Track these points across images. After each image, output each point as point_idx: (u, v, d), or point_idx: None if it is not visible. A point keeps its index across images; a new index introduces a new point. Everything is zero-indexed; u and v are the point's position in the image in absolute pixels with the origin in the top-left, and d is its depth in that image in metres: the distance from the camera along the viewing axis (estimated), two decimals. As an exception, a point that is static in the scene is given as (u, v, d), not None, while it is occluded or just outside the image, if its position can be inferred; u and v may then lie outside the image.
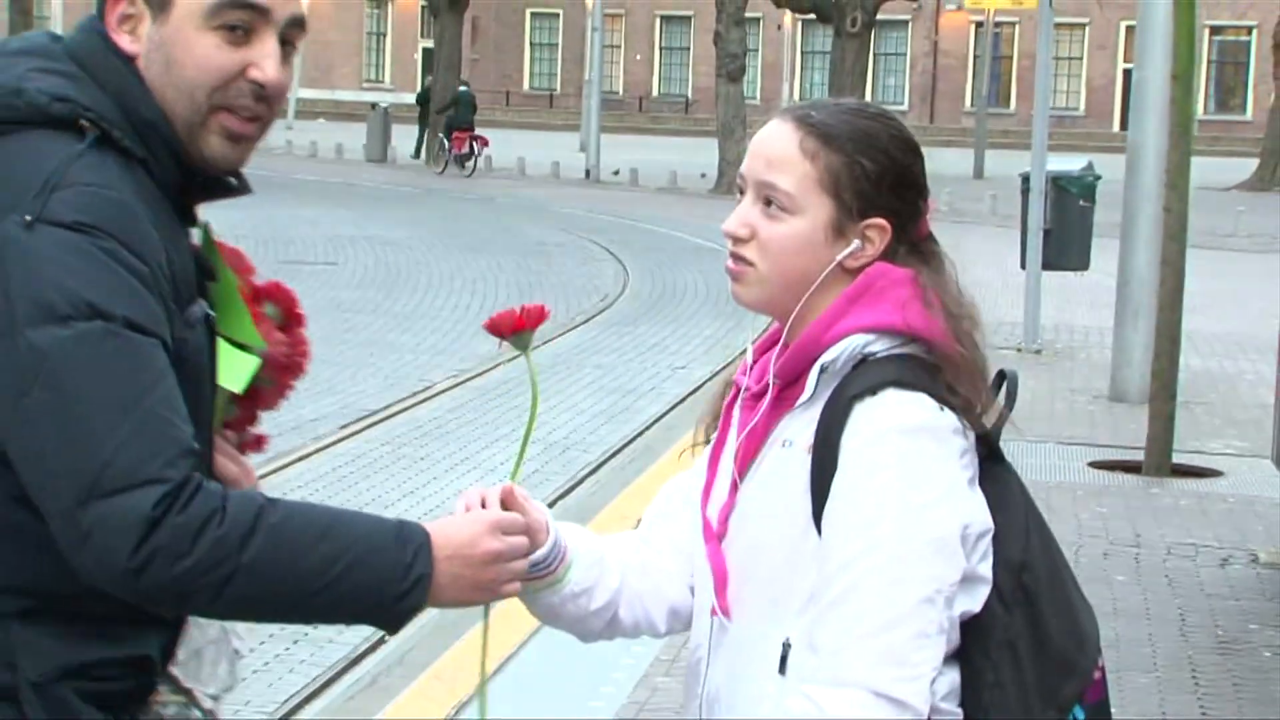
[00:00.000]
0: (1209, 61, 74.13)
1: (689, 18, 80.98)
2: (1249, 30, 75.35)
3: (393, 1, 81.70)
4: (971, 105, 66.83)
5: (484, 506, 2.58)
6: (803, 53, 76.10)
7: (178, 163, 2.48)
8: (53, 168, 2.35)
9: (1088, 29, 75.38)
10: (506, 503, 2.61)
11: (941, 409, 2.59)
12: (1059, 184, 16.14)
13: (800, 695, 2.54)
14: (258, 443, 2.70)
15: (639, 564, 2.83)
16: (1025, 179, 16.34)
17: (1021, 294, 16.36)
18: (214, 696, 2.63)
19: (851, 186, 2.66)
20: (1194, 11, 11.53)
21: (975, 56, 67.31)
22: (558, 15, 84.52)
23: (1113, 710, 2.74)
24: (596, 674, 6.96)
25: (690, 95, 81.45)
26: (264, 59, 2.47)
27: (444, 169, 43.59)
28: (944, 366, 2.63)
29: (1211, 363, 16.07)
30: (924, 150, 2.77)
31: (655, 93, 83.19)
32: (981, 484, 2.65)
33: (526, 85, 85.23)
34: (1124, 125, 20.71)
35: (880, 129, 2.69)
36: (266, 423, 2.73)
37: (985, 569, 2.61)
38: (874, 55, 54.45)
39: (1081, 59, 77.00)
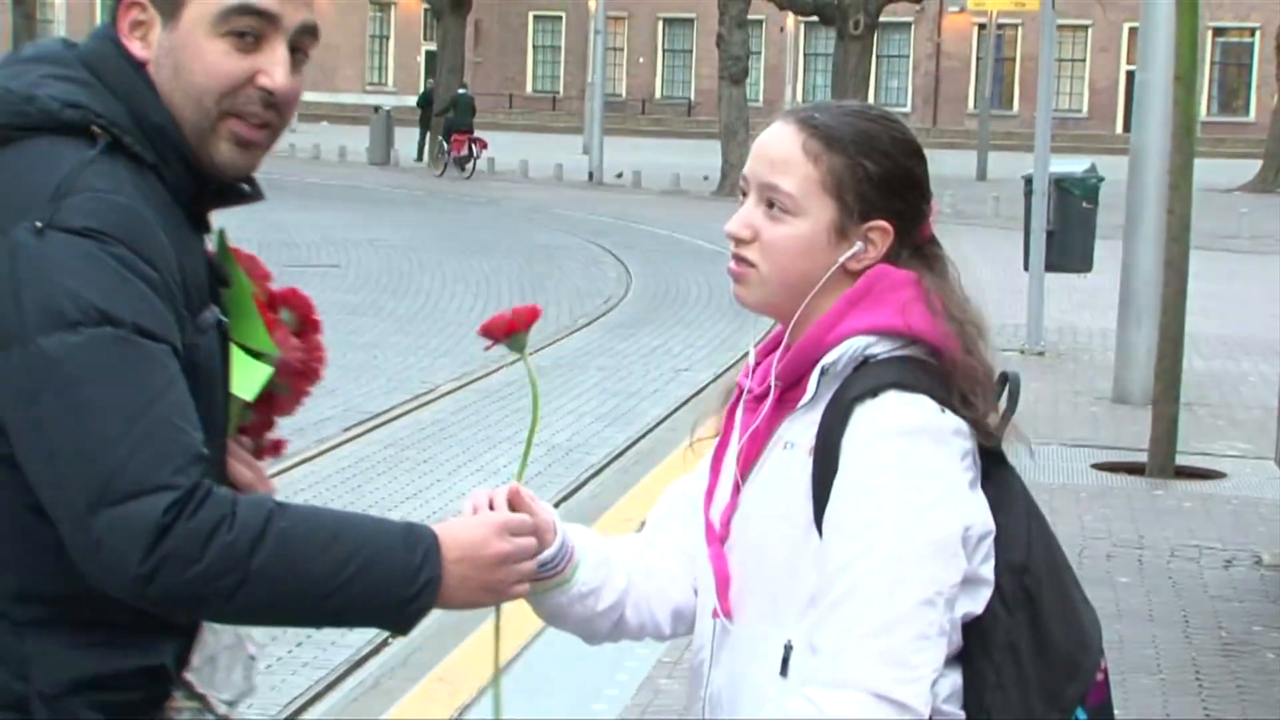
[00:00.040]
0: (1212, 63, 74.15)
1: (691, 20, 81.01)
2: (1252, 32, 75.37)
3: (396, 4, 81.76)
4: (974, 107, 66.85)
5: (491, 508, 2.59)
6: (805, 55, 76.12)
7: (189, 169, 2.48)
8: (64, 174, 2.36)
9: (1090, 31, 75.39)
10: (514, 503, 2.62)
11: (943, 411, 2.59)
12: (1062, 186, 16.14)
13: (801, 697, 2.54)
14: (275, 448, 2.70)
15: (645, 566, 2.83)
16: (1028, 181, 16.34)
17: (1025, 296, 16.36)
18: (229, 703, 2.63)
19: (854, 188, 2.66)
20: (1196, 13, 11.53)
21: (978, 58, 67.38)
22: (560, 18, 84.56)
23: (1116, 712, 2.74)
24: (600, 676, 6.96)
25: (693, 98, 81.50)
26: (273, 66, 2.47)
27: (443, 171, 43.65)
28: (946, 369, 2.63)
29: (1215, 364, 16.07)
30: (927, 152, 2.77)
31: (658, 95, 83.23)
32: (984, 486, 2.64)
33: (529, 88, 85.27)
34: (1127, 127, 20.69)
35: (883, 131, 2.69)
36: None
37: (987, 571, 2.61)
38: (877, 57, 54.49)
39: (1084, 61, 77.01)
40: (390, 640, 7.25)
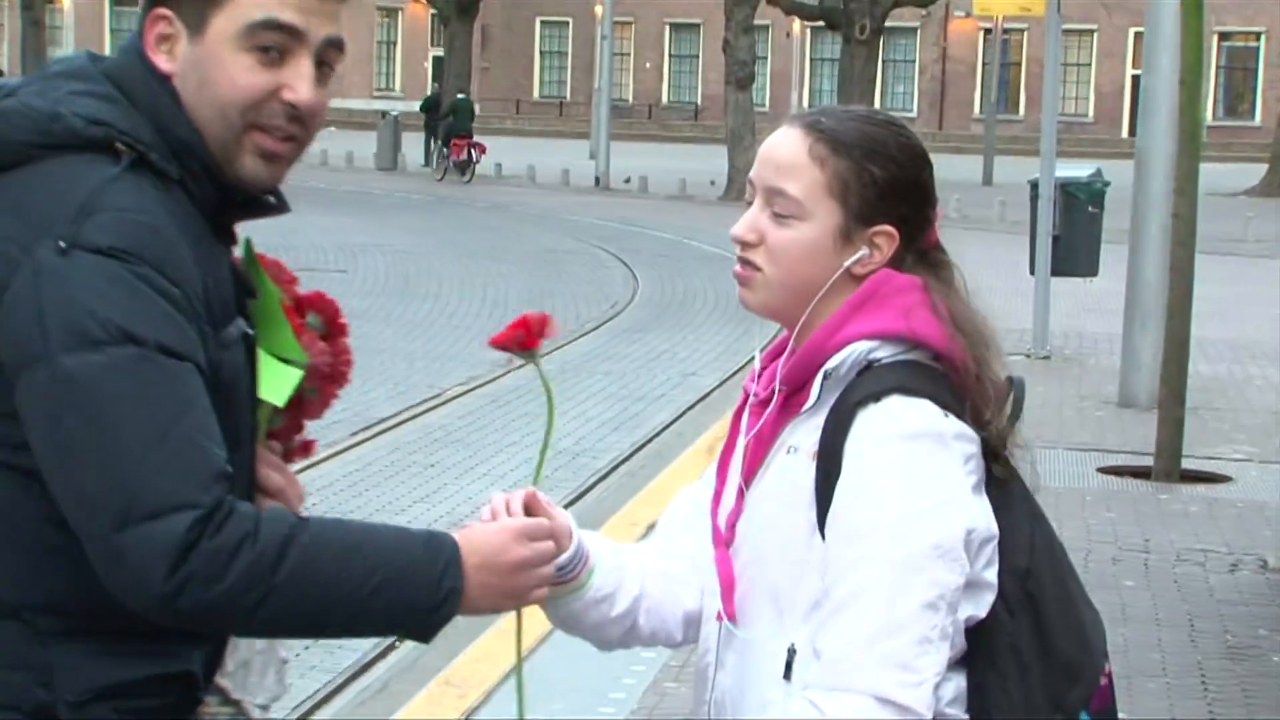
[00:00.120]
0: (1218, 67, 74.07)
1: (698, 26, 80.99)
2: (1257, 36, 75.32)
3: (403, 10, 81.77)
4: (980, 112, 66.86)
5: (509, 513, 2.60)
6: (811, 60, 76.11)
7: (214, 182, 2.49)
8: (87, 192, 2.37)
9: (1096, 35, 75.34)
10: (530, 508, 2.63)
11: (945, 415, 2.60)
12: (1068, 190, 16.15)
13: (804, 700, 2.55)
14: (304, 449, 2.71)
15: (657, 572, 2.84)
16: (1034, 185, 16.34)
17: (1030, 300, 16.36)
18: (263, 706, 2.66)
19: (859, 193, 2.66)
20: (1201, 17, 11.53)
21: (984, 63, 67.38)
22: (567, 24, 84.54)
23: (1122, 715, 2.75)
24: (606, 679, 6.97)
25: (699, 103, 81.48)
26: (297, 80, 2.48)
27: (443, 176, 43.70)
28: (950, 373, 2.64)
29: (1220, 368, 16.06)
30: (933, 157, 2.78)
31: (665, 100, 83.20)
32: (987, 490, 2.65)
33: (536, 93, 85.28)
34: (1132, 131, 20.70)
35: (889, 136, 2.70)
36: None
37: (991, 575, 2.62)
38: (883, 62, 54.46)
39: (1090, 65, 76.93)
40: (398, 643, 7.26)
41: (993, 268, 19.51)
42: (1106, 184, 16.49)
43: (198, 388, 2.36)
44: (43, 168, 2.40)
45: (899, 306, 2.65)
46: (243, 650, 2.62)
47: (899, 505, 2.54)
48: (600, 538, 2.82)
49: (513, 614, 2.62)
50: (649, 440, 12.38)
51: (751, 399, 2.76)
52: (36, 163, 2.41)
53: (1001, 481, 2.68)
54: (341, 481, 10.58)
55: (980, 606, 2.61)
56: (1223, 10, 66.94)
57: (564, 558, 2.69)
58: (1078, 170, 16.96)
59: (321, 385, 2.66)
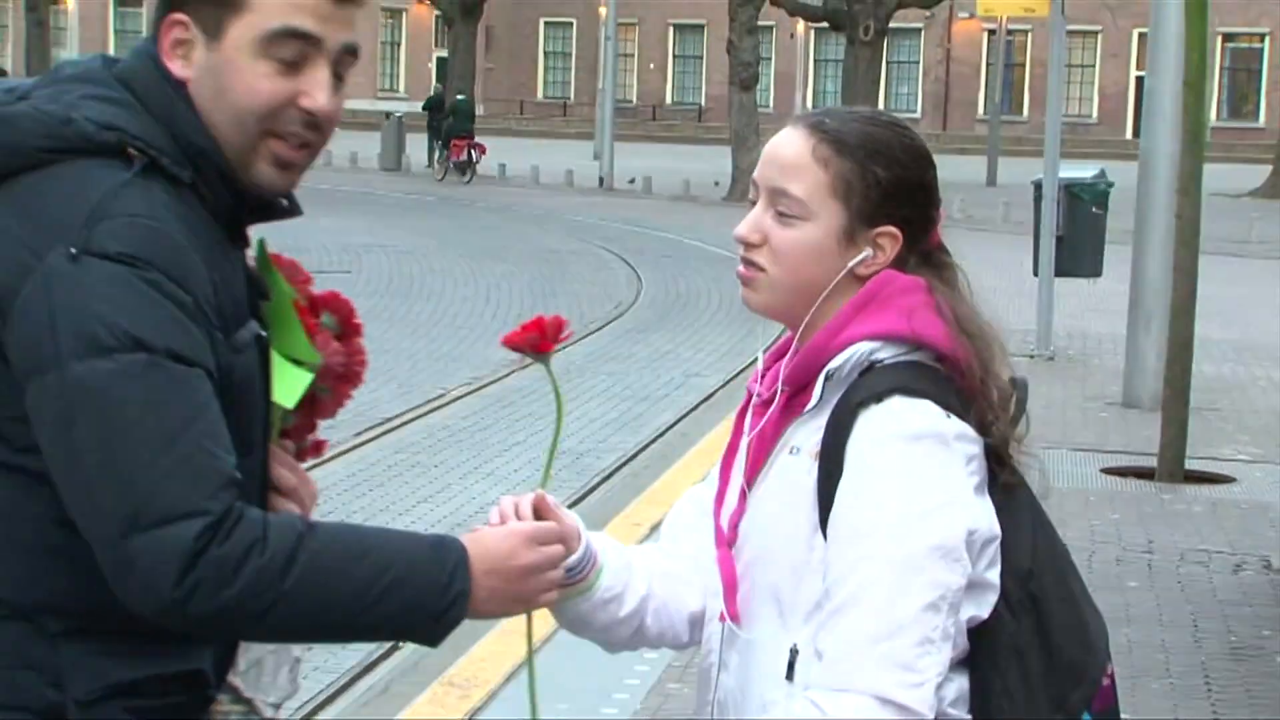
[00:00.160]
0: (1222, 68, 74.05)
1: (702, 27, 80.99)
2: (1261, 37, 75.30)
3: (407, 11, 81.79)
4: (984, 113, 66.85)
5: (518, 516, 2.60)
6: (815, 61, 76.11)
7: (228, 186, 2.49)
8: (99, 198, 2.37)
9: (1100, 36, 75.32)
10: (539, 511, 2.63)
11: (948, 415, 2.60)
12: (1072, 191, 16.14)
13: (805, 700, 2.56)
14: (316, 448, 2.72)
15: (663, 573, 2.85)
16: (1038, 186, 16.34)
17: (1034, 301, 16.36)
18: (275, 705, 2.66)
19: (863, 194, 2.67)
20: (1206, 18, 11.53)
21: (988, 64, 67.36)
22: (571, 25, 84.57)
23: (1126, 716, 2.75)
24: (610, 680, 6.98)
25: (703, 104, 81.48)
26: (315, 88, 2.48)
27: (443, 176, 43.74)
28: (954, 374, 2.64)
29: (1224, 369, 16.06)
30: (937, 158, 2.78)
31: (668, 101, 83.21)
32: (990, 491, 2.66)
33: (540, 94, 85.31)
34: (1136, 132, 20.71)
35: (893, 137, 2.70)
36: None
37: (993, 576, 2.62)
38: (887, 63, 54.42)
39: (1094, 66, 76.92)
40: (401, 644, 7.26)
41: (997, 268, 19.50)
42: (1110, 185, 16.49)
43: (208, 394, 2.36)
44: (54, 172, 2.41)
45: (902, 307, 2.65)
46: (255, 649, 2.63)
47: (900, 506, 2.54)
48: (607, 538, 2.83)
49: (520, 615, 2.62)
50: (652, 441, 12.38)
51: (755, 399, 2.77)
52: (48, 167, 2.41)
53: (1005, 483, 2.68)
54: (345, 481, 10.58)
55: (982, 607, 2.62)
56: (1227, 11, 66.92)
57: (573, 560, 2.69)
58: (1082, 171, 16.95)
59: (335, 385, 2.67)
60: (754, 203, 2.73)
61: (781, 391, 2.70)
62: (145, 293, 2.34)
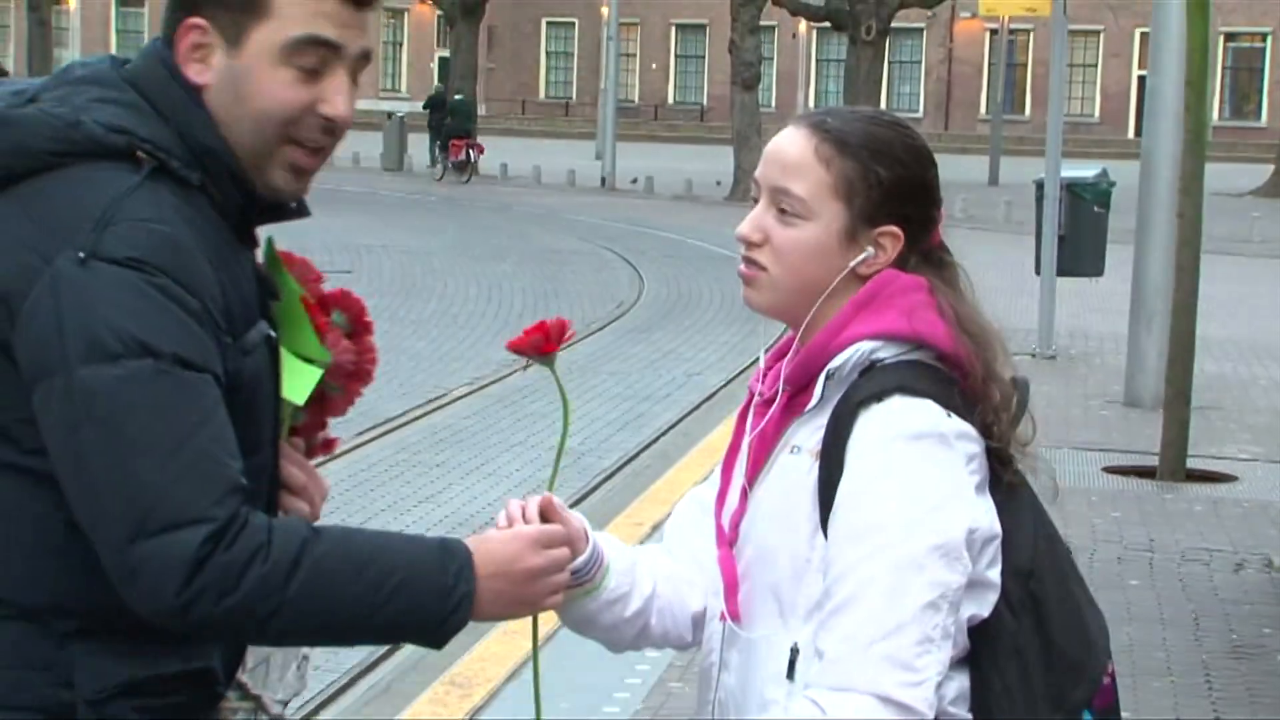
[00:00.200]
0: (1224, 68, 74.02)
1: (704, 26, 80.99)
2: (1263, 36, 75.28)
3: (409, 11, 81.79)
4: (986, 112, 66.85)
5: (524, 519, 2.61)
6: (817, 61, 76.08)
7: (239, 188, 2.49)
8: (107, 202, 2.37)
9: (1102, 36, 75.31)
10: (546, 514, 2.64)
11: (948, 414, 2.61)
12: (1073, 190, 16.15)
13: (805, 699, 2.56)
14: (327, 446, 2.73)
15: (668, 573, 2.85)
16: (1040, 185, 16.35)
17: (1036, 300, 16.37)
18: (283, 702, 2.67)
19: (865, 193, 2.67)
20: (1207, 18, 11.53)
21: (990, 64, 67.29)
22: (573, 24, 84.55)
23: (1127, 715, 2.75)
24: (611, 679, 6.98)
25: (705, 103, 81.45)
26: (335, 95, 2.49)
27: (442, 176, 43.77)
28: (955, 374, 2.65)
29: (1226, 368, 16.06)
30: (938, 157, 2.79)
31: (670, 101, 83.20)
32: (992, 490, 2.66)
33: (542, 94, 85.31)
34: (1138, 132, 20.72)
35: (895, 137, 2.71)
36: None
37: (994, 575, 2.63)
38: (889, 63, 54.40)
39: (1096, 66, 76.90)
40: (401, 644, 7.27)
41: (998, 268, 19.51)
42: (1112, 184, 16.50)
43: (215, 399, 2.36)
44: (63, 175, 2.40)
45: (903, 307, 2.65)
46: (263, 646, 2.63)
47: (900, 505, 2.55)
48: (613, 539, 2.83)
49: (538, 622, 2.63)
50: (654, 440, 12.38)
51: (756, 399, 2.77)
52: (57, 170, 2.41)
53: (1006, 482, 2.68)
54: (347, 481, 10.58)
55: (983, 606, 2.62)
56: (1229, 11, 66.95)
57: (579, 561, 2.70)
58: (1083, 170, 16.96)
59: (346, 383, 2.68)
60: (756, 202, 2.73)
61: (783, 391, 2.70)
62: (153, 298, 2.34)
